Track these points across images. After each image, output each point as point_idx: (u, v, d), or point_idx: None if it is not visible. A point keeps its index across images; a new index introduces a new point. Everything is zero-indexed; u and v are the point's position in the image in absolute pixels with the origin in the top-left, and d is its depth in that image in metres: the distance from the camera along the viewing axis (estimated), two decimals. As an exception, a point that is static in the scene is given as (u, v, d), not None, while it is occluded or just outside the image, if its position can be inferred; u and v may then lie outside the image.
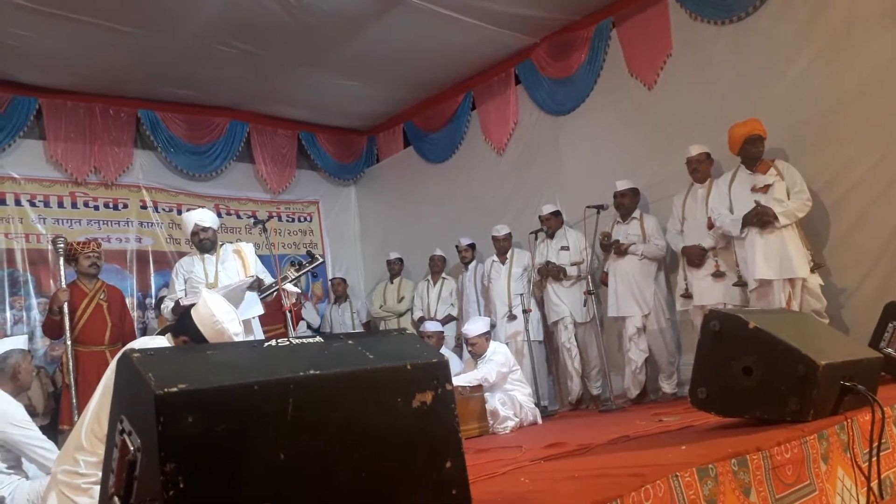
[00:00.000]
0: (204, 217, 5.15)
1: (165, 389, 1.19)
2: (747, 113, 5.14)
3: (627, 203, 5.95)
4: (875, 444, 2.35)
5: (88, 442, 2.64)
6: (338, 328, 8.04)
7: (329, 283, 8.43)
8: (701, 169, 5.43)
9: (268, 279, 5.01)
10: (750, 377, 2.49)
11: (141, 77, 6.91)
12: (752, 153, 4.97)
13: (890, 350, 3.79)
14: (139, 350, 1.31)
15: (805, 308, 4.64)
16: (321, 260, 5.26)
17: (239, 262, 4.92)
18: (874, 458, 2.35)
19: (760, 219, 4.79)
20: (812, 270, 4.71)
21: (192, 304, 2.97)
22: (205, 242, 5.05)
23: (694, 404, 2.68)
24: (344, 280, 8.29)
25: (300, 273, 5.07)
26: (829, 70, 5.09)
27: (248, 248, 5.13)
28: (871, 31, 4.93)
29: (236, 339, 2.91)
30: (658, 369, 5.88)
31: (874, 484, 2.33)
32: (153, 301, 7.29)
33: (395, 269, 7.99)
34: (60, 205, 7.02)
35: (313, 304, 8.49)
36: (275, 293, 4.85)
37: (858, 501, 2.30)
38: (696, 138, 5.52)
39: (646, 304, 5.75)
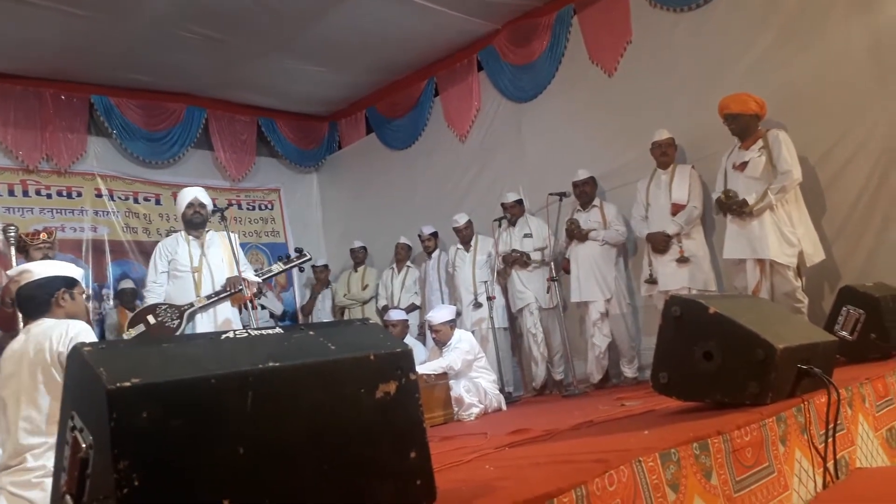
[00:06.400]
0: (204, 195, 5.11)
1: (118, 384, 1.15)
2: (706, 99, 5.19)
3: (588, 192, 5.99)
4: (831, 426, 2.40)
5: (27, 441, 2.59)
6: (318, 314, 8.00)
7: (312, 269, 8.37)
8: (669, 153, 5.48)
9: (251, 274, 4.98)
10: (710, 362, 2.52)
11: (93, 62, 6.72)
12: (731, 130, 4.89)
13: (844, 333, 3.87)
14: (90, 344, 1.27)
15: (777, 291, 4.64)
16: (309, 257, 5.33)
17: (225, 249, 4.85)
18: (830, 440, 2.40)
19: (721, 209, 4.84)
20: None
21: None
22: (196, 217, 4.97)
23: (655, 389, 2.70)
24: (326, 266, 8.22)
25: (287, 267, 5.14)
26: (784, 56, 5.17)
27: (234, 238, 5.08)
28: (826, 17, 5.02)
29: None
30: (620, 354, 5.94)
31: (830, 464, 2.38)
32: (110, 292, 7.13)
33: (359, 257, 7.95)
34: (11, 193, 6.82)
35: (276, 293, 8.41)
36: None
37: (815, 482, 2.34)
38: (656, 125, 5.57)
39: (608, 289, 5.81)
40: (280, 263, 5.12)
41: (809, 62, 5.05)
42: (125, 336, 4.71)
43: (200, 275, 4.84)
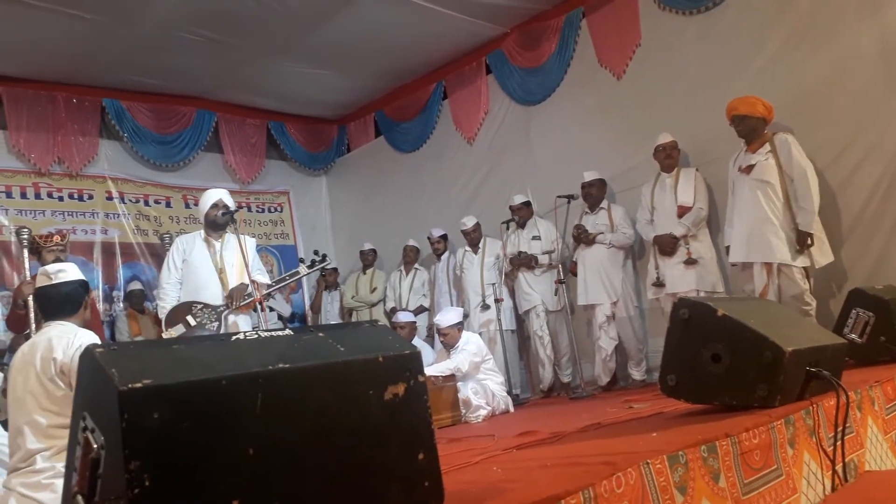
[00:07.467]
0: (228, 198, 5.09)
1: (130, 385, 1.16)
2: (715, 103, 5.17)
3: (595, 193, 6.00)
4: (839, 429, 2.40)
5: (35, 445, 2.61)
6: (326, 316, 8.05)
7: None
8: (673, 156, 5.48)
9: (263, 278, 4.98)
10: (718, 364, 2.52)
11: (105, 65, 6.77)
12: (738, 132, 4.87)
13: (853, 336, 3.85)
14: (102, 345, 1.28)
15: (785, 293, 4.62)
16: (330, 262, 5.35)
17: (238, 253, 4.85)
18: (839, 442, 2.39)
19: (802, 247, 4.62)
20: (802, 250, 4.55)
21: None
22: (217, 219, 4.95)
23: (663, 391, 2.70)
24: (335, 269, 8.25)
25: (311, 270, 5.16)
26: (794, 59, 5.15)
27: (250, 243, 5.08)
28: (836, 20, 4.99)
29: None
30: (627, 356, 5.94)
31: (839, 467, 2.38)
32: (121, 294, 7.17)
33: (369, 259, 7.96)
34: (24, 196, 6.88)
35: (286, 294, 8.43)
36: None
37: (824, 485, 2.34)
38: (664, 128, 5.57)
39: (614, 292, 5.81)
40: (304, 267, 5.11)
41: (820, 66, 5.03)
42: (164, 335, 4.68)
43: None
